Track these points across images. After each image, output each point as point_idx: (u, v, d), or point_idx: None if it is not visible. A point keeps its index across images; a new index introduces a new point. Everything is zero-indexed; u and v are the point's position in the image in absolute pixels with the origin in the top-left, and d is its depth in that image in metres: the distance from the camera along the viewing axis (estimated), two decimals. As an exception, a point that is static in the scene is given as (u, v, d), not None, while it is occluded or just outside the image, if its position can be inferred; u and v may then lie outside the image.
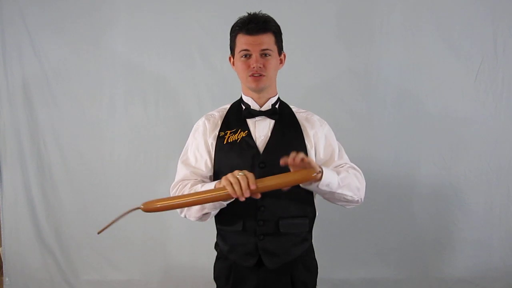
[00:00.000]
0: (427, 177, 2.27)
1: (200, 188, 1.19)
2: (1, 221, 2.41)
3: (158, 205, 1.09)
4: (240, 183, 1.03)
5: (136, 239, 2.37)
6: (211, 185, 1.16)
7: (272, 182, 1.08)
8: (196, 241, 2.32)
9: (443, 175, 2.27)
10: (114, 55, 2.27)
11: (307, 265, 1.35)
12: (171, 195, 1.29)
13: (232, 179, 1.05)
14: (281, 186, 1.09)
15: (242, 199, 1.05)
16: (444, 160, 2.26)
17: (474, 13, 2.17)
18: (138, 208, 1.09)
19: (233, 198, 1.07)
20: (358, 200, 1.27)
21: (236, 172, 1.06)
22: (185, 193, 1.23)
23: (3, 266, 2.45)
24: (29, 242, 2.39)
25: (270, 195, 1.24)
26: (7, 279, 2.43)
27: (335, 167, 1.30)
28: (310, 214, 1.32)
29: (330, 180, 1.15)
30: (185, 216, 1.28)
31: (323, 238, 2.19)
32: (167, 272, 2.39)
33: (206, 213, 1.25)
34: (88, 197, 2.35)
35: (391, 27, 2.20)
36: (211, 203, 1.17)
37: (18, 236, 2.39)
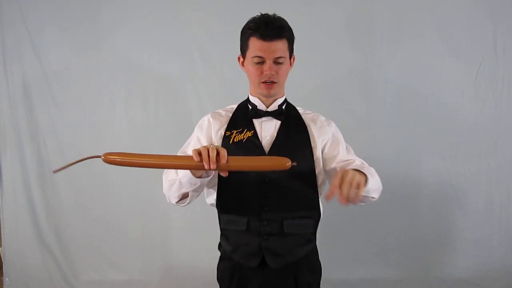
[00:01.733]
0: (427, 177, 2.27)
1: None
2: (1, 221, 2.41)
3: (118, 159, 1.07)
4: (209, 152, 1.02)
5: (136, 239, 2.37)
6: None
7: (244, 163, 1.07)
8: (197, 241, 2.33)
9: (443, 175, 2.27)
10: (114, 55, 2.27)
11: (311, 266, 1.35)
12: (163, 181, 1.30)
13: (201, 148, 1.04)
14: (252, 169, 1.09)
15: (207, 167, 1.03)
16: (444, 160, 2.26)
17: (474, 13, 2.17)
18: (99, 156, 1.07)
19: (199, 168, 1.05)
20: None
21: (209, 144, 1.07)
22: (171, 178, 1.23)
23: (3, 266, 2.45)
24: (29, 242, 2.39)
25: (274, 195, 1.25)
26: (7, 279, 2.43)
27: (345, 161, 1.29)
28: (315, 215, 1.32)
29: (370, 188, 1.15)
30: (169, 200, 1.29)
31: (323, 238, 2.18)
32: (167, 272, 2.39)
33: (185, 196, 1.26)
34: (88, 197, 2.35)
35: (391, 27, 2.20)
36: (185, 179, 1.17)
37: (18, 236, 2.39)
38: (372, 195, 1.22)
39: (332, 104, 2.21)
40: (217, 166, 1.03)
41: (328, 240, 2.22)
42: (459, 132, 2.24)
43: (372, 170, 1.23)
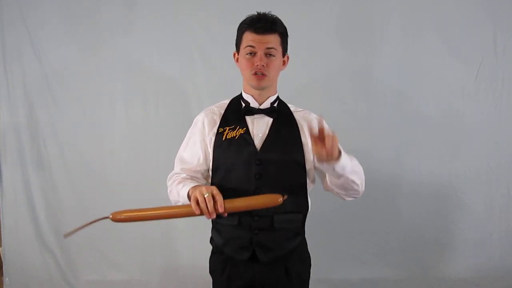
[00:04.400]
0: (427, 177, 2.27)
1: (180, 188, 1.25)
2: (1, 221, 2.41)
3: (124, 216, 1.17)
4: (206, 204, 1.10)
5: (136, 239, 2.37)
6: (186, 189, 1.22)
7: (239, 204, 1.15)
8: (196, 240, 2.32)
9: (443, 175, 2.27)
10: (114, 55, 2.27)
11: (301, 258, 1.38)
12: (168, 185, 1.36)
13: (199, 198, 1.11)
14: (247, 208, 1.16)
15: (208, 217, 1.12)
16: (444, 160, 2.26)
17: (474, 13, 2.17)
18: (107, 217, 1.15)
19: (200, 215, 1.12)
20: (360, 191, 1.30)
21: (204, 190, 1.12)
22: (173, 186, 1.31)
23: (3, 266, 2.45)
24: (29, 242, 2.39)
25: (266, 191, 1.26)
26: (7, 279, 2.43)
27: None
28: (303, 210, 1.35)
29: (345, 163, 1.17)
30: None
31: (323, 238, 2.19)
32: (167, 272, 2.39)
33: None
34: (88, 197, 2.35)
35: (391, 27, 2.20)
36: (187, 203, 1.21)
37: (18, 236, 2.39)
38: (352, 178, 1.23)
39: (332, 104, 2.22)
40: (216, 214, 1.11)
41: (329, 240, 2.23)
42: (459, 132, 2.24)
43: (355, 160, 1.26)
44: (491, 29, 2.18)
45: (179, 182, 1.30)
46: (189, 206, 1.14)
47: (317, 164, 1.26)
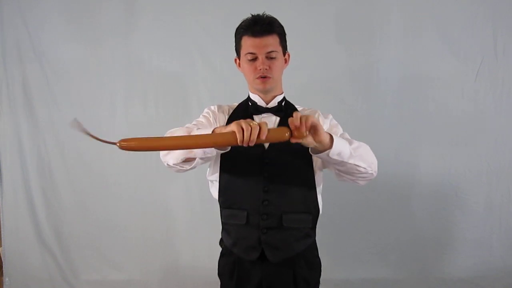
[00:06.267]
0: (427, 177, 2.27)
1: (195, 131, 1.12)
2: (1, 221, 2.41)
3: (134, 144, 1.00)
4: (251, 132, 0.98)
5: (136, 239, 2.37)
6: (207, 131, 1.09)
7: (273, 134, 1.03)
8: (197, 241, 2.33)
9: (443, 175, 2.27)
10: (114, 55, 2.27)
11: (310, 262, 1.36)
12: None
13: (244, 126, 0.99)
14: (279, 139, 1.05)
15: (246, 145, 1.00)
16: (444, 160, 2.26)
17: (474, 13, 2.17)
18: (114, 143, 1.00)
19: (232, 145, 1.02)
20: (372, 173, 1.24)
21: (249, 120, 1.01)
22: (180, 130, 1.18)
23: (3, 266, 2.45)
24: (29, 242, 2.39)
25: (274, 190, 1.27)
26: (7, 279, 2.43)
27: None
28: (313, 211, 1.34)
29: (341, 148, 1.12)
30: (165, 161, 1.23)
31: (323, 238, 2.18)
32: (167, 272, 2.39)
33: (190, 160, 1.18)
34: (88, 197, 2.35)
35: (391, 27, 2.20)
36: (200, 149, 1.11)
37: (18, 236, 2.39)
38: (354, 162, 1.16)
39: (332, 103, 2.21)
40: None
41: (329, 240, 2.23)
42: (459, 132, 2.24)
43: (356, 143, 1.20)
44: (491, 29, 2.18)
45: (192, 129, 1.16)
46: (222, 134, 1.02)
47: (312, 153, 1.18)
